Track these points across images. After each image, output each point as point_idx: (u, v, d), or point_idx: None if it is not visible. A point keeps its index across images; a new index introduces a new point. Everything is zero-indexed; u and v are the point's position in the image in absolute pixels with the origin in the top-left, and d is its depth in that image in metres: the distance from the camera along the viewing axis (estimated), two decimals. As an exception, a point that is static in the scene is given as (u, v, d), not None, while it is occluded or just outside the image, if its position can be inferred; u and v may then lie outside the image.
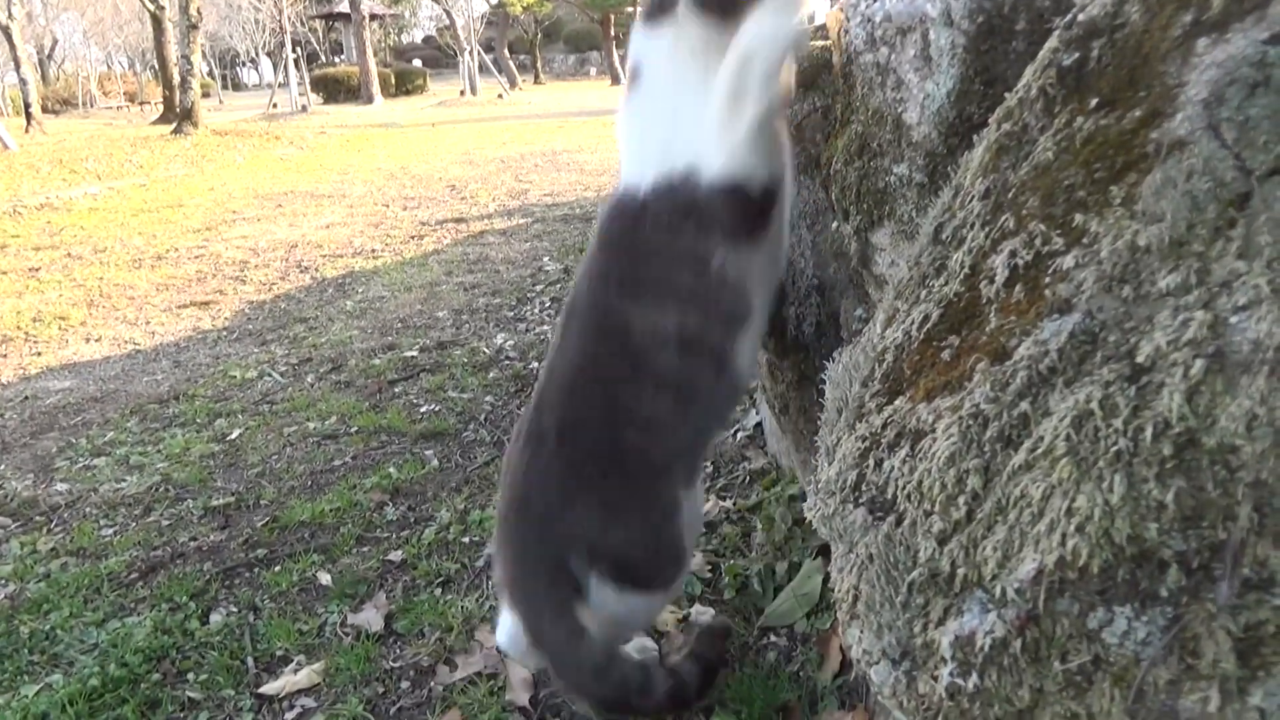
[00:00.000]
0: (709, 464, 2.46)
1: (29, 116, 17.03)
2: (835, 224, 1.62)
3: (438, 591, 2.04)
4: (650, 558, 1.45)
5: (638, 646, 1.66)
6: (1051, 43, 0.87)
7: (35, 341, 4.46)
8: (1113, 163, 0.73)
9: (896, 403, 0.83)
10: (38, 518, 2.60)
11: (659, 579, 1.48)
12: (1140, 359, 0.63)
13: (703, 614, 1.85)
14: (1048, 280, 0.73)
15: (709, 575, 1.97)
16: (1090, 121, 0.78)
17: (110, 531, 2.49)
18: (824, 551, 1.85)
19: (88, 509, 2.63)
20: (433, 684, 1.75)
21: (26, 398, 3.67)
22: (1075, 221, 0.73)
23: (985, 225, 0.84)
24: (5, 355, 4.25)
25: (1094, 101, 0.79)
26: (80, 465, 2.96)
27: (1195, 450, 0.58)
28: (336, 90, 27.70)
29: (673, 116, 1.36)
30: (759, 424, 2.62)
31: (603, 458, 1.41)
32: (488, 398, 3.23)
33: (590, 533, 1.41)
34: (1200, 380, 0.59)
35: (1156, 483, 0.59)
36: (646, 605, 1.52)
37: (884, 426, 0.83)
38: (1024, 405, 0.69)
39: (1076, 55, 0.82)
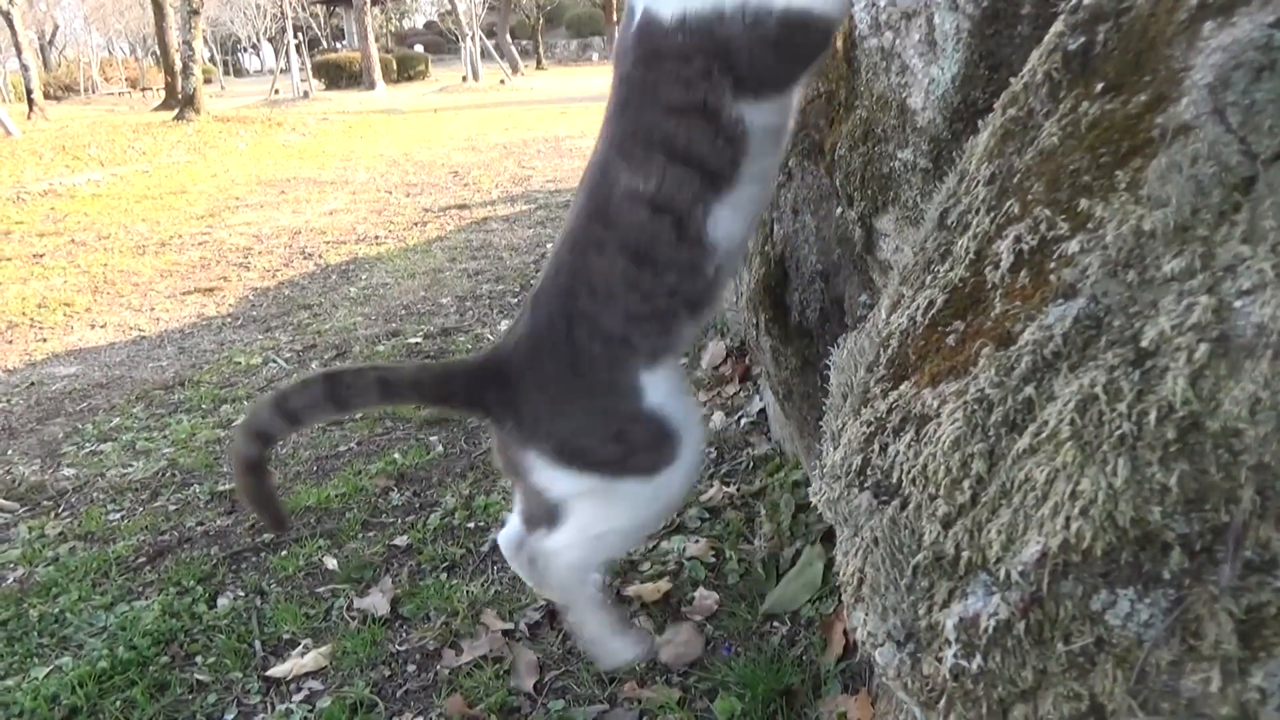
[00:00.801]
0: (712, 449, 2.47)
1: (31, 102, 16.99)
2: (839, 210, 1.62)
3: (443, 576, 2.05)
4: (611, 437, 1.37)
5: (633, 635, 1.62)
6: (1057, 27, 0.87)
7: (40, 328, 4.47)
8: (1118, 147, 0.73)
9: (901, 388, 0.83)
10: (45, 502, 2.62)
11: (630, 463, 1.38)
12: (1144, 343, 0.63)
13: (706, 598, 1.86)
14: (1053, 265, 0.73)
15: (713, 560, 1.98)
16: (1095, 106, 0.78)
17: (118, 516, 2.50)
18: (826, 538, 1.86)
19: (95, 494, 2.65)
20: (439, 667, 1.76)
21: (32, 383, 3.69)
22: (1080, 206, 0.73)
23: (990, 210, 0.84)
24: (11, 341, 4.27)
25: (1099, 86, 0.78)
26: (87, 451, 2.98)
27: (1199, 434, 0.58)
28: (338, 76, 27.62)
29: None
30: (762, 410, 2.63)
31: (557, 329, 1.35)
32: (492, 384, 3.24)
33: (536, 406, 1.38)
34: (1204, 364, 0.59)
35: (1160, 466, 0.59)
36: (621, 495, 1.41)
37: (889, 411, 0.83)
38: (1028, 390, 0.69)
39: (1082, 39, 0.82)
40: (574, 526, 1.44)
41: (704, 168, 1.28)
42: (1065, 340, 0.68)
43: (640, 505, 1.44)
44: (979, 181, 0.88)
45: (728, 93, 1.24)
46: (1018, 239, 0.77)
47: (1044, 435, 0.66)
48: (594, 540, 1.47)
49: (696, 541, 2.05)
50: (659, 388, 1.36)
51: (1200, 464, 0.58)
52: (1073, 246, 0.72)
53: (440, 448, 2.74)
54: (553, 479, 1.40)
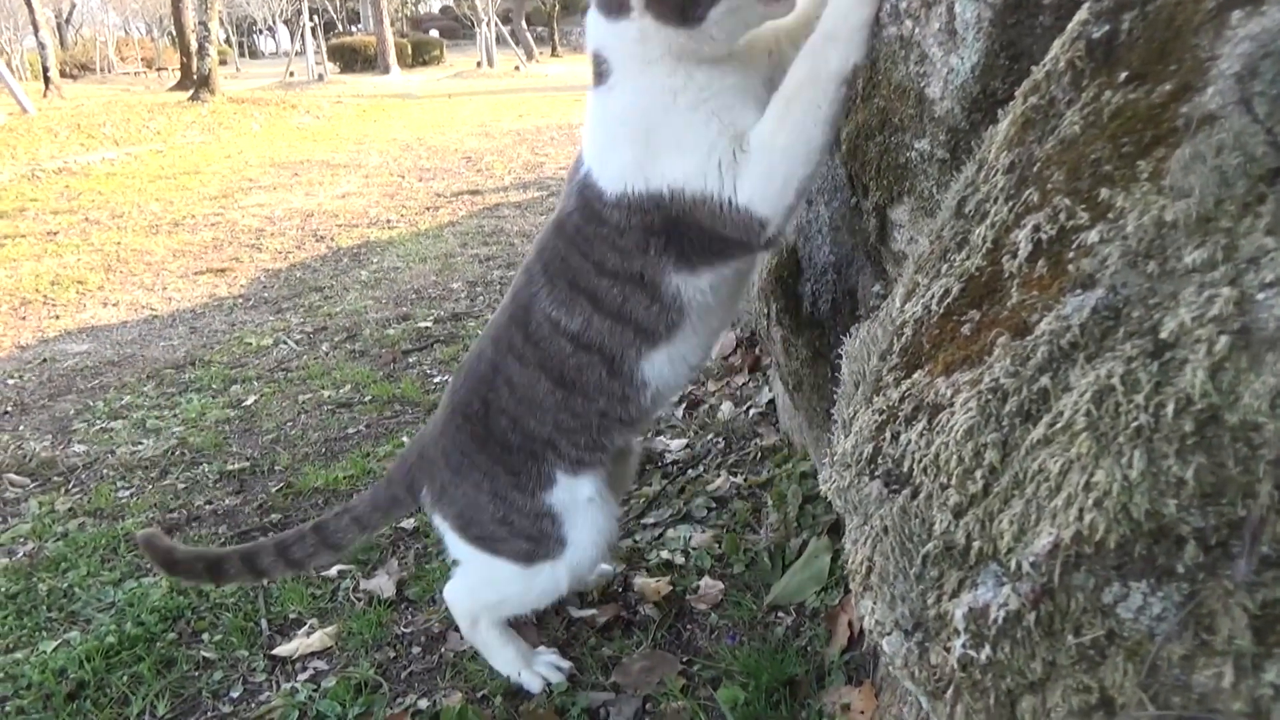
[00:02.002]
0: (720, 439, 2.47)
1: (47, 81, 17.05)
2: (854, 200, 1.61)
3: (449, 559, 2.05)
4: (497, 519, 1.49)
5: (547, 661, 1.67)
6: (1081, 15, 0.85)
7: (53, 305, 4.49)
8: (1141, 137, 0.72)
9: (914, 376, 0.83)
10: (56, 478, 2.64)
11: (507, 548, 1.50)
12: (1164, 335, 0.62)
13: (711, 587, 1.86)
14: (1071, 255, 0.72)
15: (719, 550, 1.98)
16: (1119, 95, 0.77)
17: (127, 493, 2.52)
18: (832, 530, 1.86)
19: (105, 471, 2.66)
20: (443, 650, 1.77)
21: (45, 360, 3.71)
22: (1101, 196, 0.72)
23: (1009, 199, 0.83)
24: (24, 318, 4.29)
25: (1123, 75, 0.77)
26: (98, 428, 2.99)
27: (1217, 427, 0.58)
28: (353, 60, 27.62)
29: (648, 132, 1.25)
30: (771, 400, 2.62)
31: (473, 408, 1.47)
32: (501, 369, 3.24)
33: (443, 473, 1.51)
34: (1224, 357, 0.58)
35: (1177, 459, 0.59)
36: (498, 572, 1.54)
37: (901, 400, 0.82)
38: (1044, 380, 0.69)
39: (1107, 28, 0.81)
40: (462, 585, 1.61)
41: (637, 326, 1.36)
42: (1083, 331, 0.68)
43: (514, 588, 1.55)
44: (998, 170, 0.87)
45: (669, 267, 1.30)
46: (1036, 228, 0.76)
47: (1059, 426, 0.66)
48: (478, 602, 1.62)
49: (703, 531, 2.05)
50: (569, 493, 1.48)
51: (1218, 457, 0.57)
52: (1092, 236, 0.71)
53: (448, 432, 2.74)
54: (450, 542, 1.57)
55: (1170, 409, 0.60)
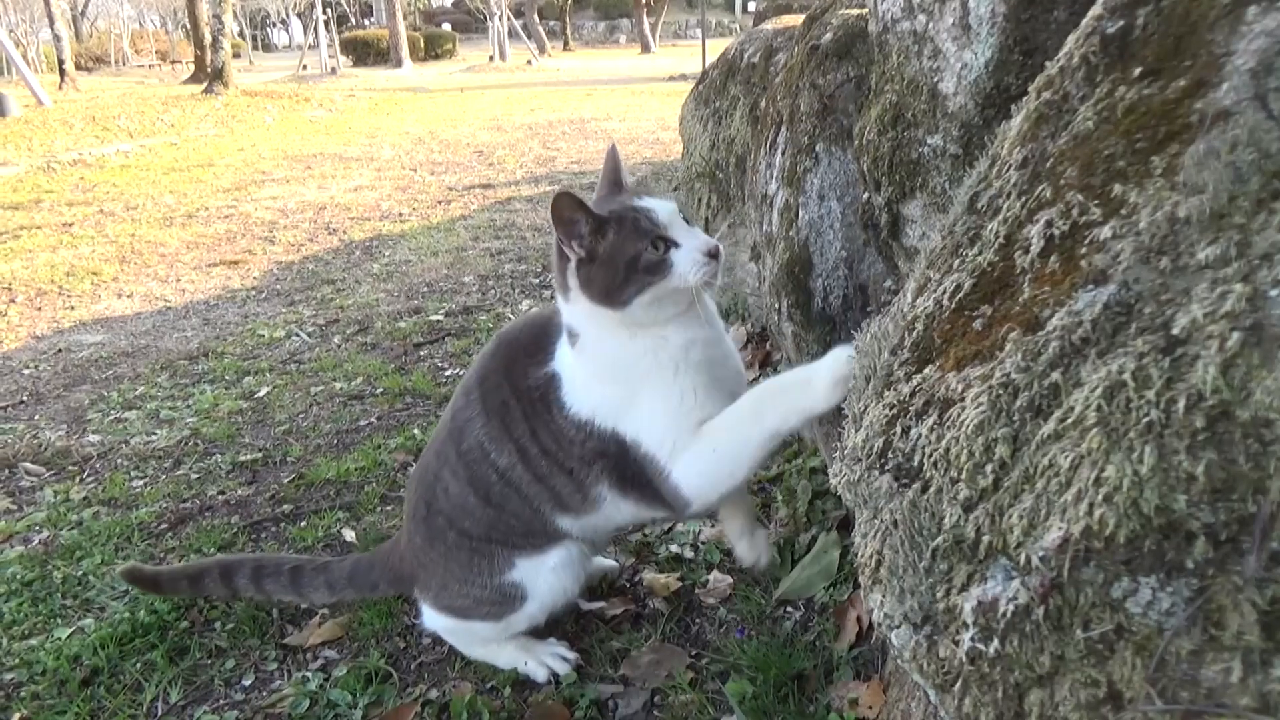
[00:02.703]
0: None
1: (62, 73, 17.15)
2: (866, 195, 1.61)
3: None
4: (461, 594, 1.61)
5: (553, 652, 1.70)
6: (1096, 10, 0.85)
7: (68, 295, 4.52)
8: (1155, 133, 0.72)
9: (926, 371, 0.83)
10: (70, 467, 2.66)
11: (476, 613, 1.62)
12: (1176, 331, 0.62)
13: (720, 582, 1.86)
14: (1084, 251, 0.72)
15: (728, 545, 1.98)
16: (1133, 91, 0.77)
17: (141, 483, 2.53)
18: (842, 525, 1.86)
19: (119, 460, 2.68)
20: (453, 641, 1.77)
21: (60, 350, 3.73)
22: (1114, 192, 0.72)
23: (1022, 195, 0.83)
24: (39, 308, 4.32)
25: (1137, 70, 0.77)
26: (112, 418, 3.01)
27: (1228, 423, 0.58)
28: (366, 53, 27.67)
29: (624, 384, 1.38)
30: (782, 396, 2.61)
31: (420, 511, 1.62)
32: (512, 363, 3.25)
33: (419, 571, 1.66)
34: (1236, 353, 0.58)
35: (1187, 454, 0.59)
36: (471, 625, 1.65)
37: (912, 394, 0.83)
38: (1055, 375, 0.69)
39: (1121, 23, 0.81)
40: (443, 630, 1.71)
41: (556, 495, 1.50)
42: (1094, 326, 0.68)
43: (488, 633, 1.65)
44: (1011, 165, 0.87)
45: (604, 483, 1.45)
46: (1049, 224, 0.76)
47: (1070, 421, 0.66)
48: (460, 632, 1.69)
49: (712, 526, 2.05)
50: (534, 568, 1.56)
51: (1229, 453, 0.57)
52: (1105, 232, 0.71)
53: (459, 425, 2.75)
54: (427, 614, 1.69)
55: (1181, 405, 0.60)
